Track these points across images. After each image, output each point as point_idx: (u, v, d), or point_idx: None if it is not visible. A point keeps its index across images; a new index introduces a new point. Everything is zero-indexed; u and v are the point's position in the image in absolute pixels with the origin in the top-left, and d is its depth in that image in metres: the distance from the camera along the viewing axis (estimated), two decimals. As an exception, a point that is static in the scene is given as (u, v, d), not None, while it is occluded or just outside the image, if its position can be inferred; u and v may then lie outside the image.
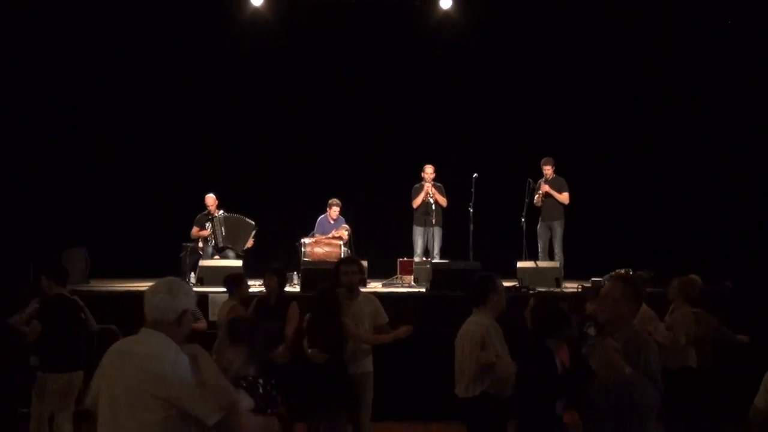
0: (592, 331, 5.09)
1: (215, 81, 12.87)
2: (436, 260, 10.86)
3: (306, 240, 11.05)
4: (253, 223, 11.37)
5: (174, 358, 3.16)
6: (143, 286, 8.90)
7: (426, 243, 11.20)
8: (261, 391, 3.66)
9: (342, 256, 10.82)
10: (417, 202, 11.15)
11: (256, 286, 10.26)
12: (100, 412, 3.24)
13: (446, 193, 11.15)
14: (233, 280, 7.11)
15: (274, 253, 11.46)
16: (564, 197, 10.90)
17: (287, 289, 10.38)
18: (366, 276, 9.51)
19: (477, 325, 5.04)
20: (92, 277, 10.87)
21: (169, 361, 3.14)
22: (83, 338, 6.69)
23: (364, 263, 10.49)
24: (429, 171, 11.14)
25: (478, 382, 4.94)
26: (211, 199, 11.32)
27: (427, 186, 11.07)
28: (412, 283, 10.61)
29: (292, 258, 11.02)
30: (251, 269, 10.92)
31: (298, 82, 13.00)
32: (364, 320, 6.19)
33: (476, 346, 4.94)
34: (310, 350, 5.91)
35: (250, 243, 11.39)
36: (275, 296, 6.81)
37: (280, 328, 6.35)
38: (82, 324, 6.64)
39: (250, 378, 3.70)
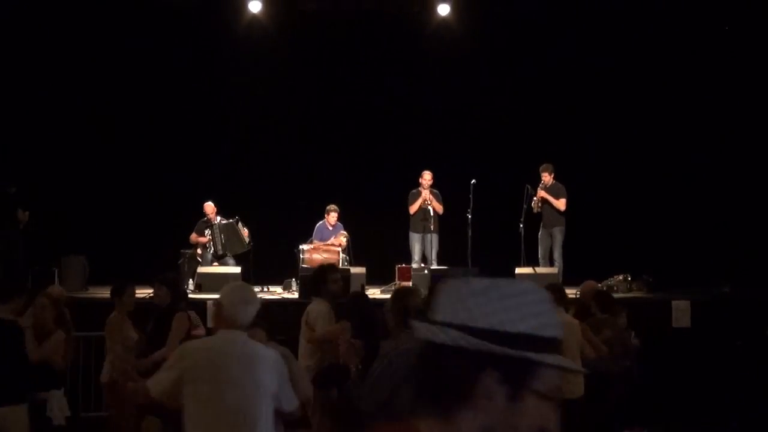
0: None
1: (213, 88, 12.86)
2: (434, 266, 10.87)
3: (304, 246, 11.05)
4: (248, 238, 11.28)
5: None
6: (142, 293, 8.95)
7: (423, 249, 11.21)
8: None
9: (341, 263, 10.84)
10: (414, 208, 11.14)
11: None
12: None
13: (444, 200, 11.16)
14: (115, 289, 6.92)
15: (273, 260, 11.53)
16: (560, 203, 10.89)
17: (286, 295, 10.49)
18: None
19: None
20: (91, 284, 10.88)
21: None
22: None
23: (363, 270, 10.55)
24: (427, 177, 11.14)
25: None
26: (209, 207, 11.31)
27: (425, 193, 11.08)
28: (411, 289, 10.59)
29: (290, 265, 11.03)
30: (251, 276, 10.95)
31: (296, 89, 13.00)
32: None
33: None
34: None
35: (245, 233, 11.22)
36: (165, 307, 6.52)
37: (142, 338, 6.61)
38: None
39: None
